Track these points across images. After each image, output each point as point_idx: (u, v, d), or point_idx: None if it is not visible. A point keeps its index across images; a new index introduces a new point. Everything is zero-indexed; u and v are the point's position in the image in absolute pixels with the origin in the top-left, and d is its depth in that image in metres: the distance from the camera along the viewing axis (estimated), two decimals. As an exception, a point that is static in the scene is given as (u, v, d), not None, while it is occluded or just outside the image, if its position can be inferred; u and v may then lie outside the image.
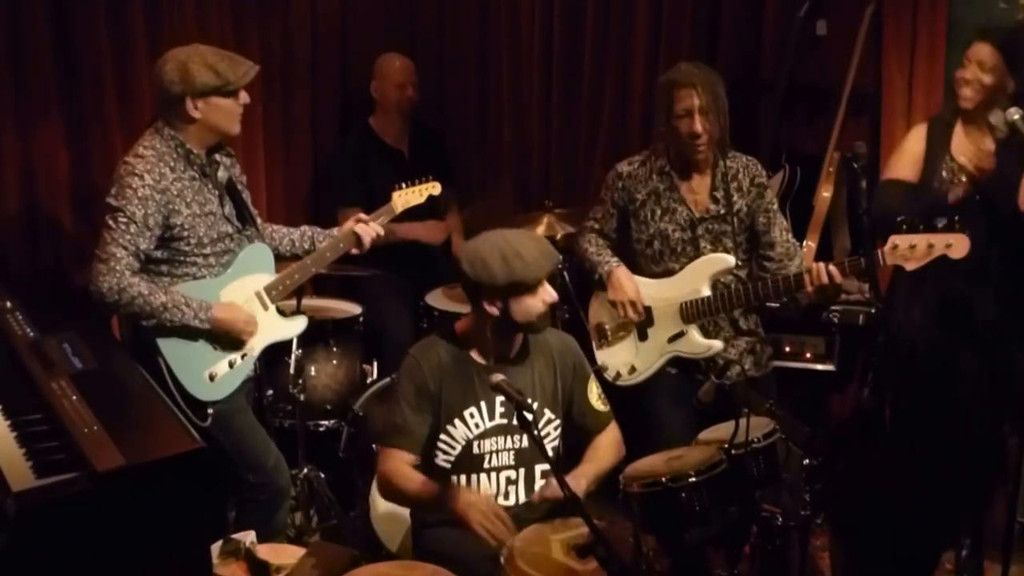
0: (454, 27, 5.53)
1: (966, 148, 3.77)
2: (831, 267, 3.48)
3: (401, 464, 3.11)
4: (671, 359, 3.82)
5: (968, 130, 3.77)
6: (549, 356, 3.25)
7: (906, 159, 3.88)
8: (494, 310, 3.06)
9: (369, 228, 3.75)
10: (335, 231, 3.80)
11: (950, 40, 4.27)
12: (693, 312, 3.74)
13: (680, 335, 3.78)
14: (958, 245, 3.34)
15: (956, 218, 3.43)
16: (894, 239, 3.38)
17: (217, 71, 3.35)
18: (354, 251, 3.77)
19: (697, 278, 3.74)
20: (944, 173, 3.76)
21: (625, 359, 3.89)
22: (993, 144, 3.71)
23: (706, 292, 3.73)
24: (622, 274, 3.81)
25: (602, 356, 3.93)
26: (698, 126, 3.59)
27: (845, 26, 4.51)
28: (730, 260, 3.71)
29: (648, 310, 3.81)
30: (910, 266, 3.39)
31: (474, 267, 3.03)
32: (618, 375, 3.87)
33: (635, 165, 3.83)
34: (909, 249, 3.36)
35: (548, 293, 3.07)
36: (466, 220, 5.09)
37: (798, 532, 3.34)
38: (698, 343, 3.77)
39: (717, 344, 3.76)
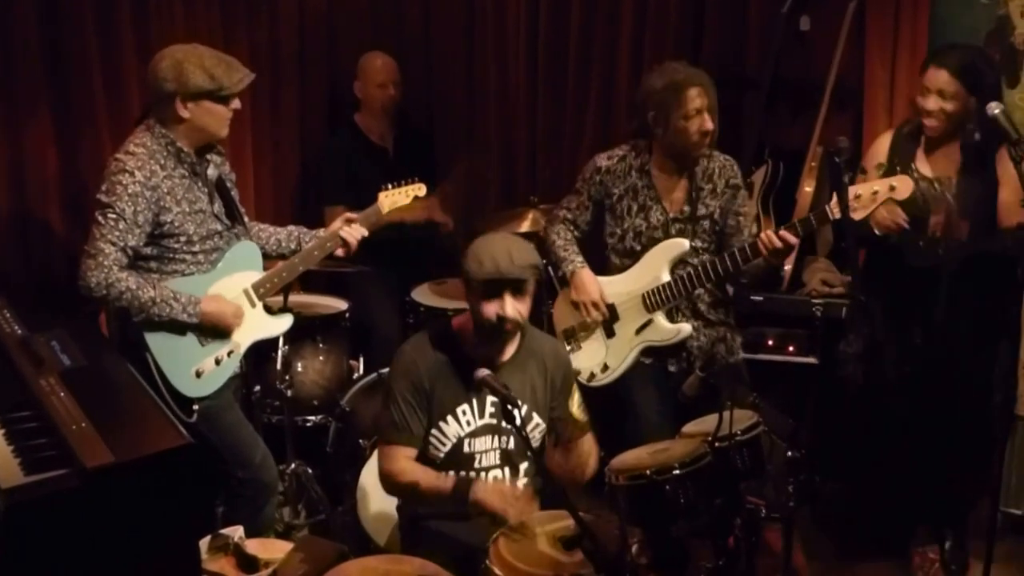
0: (440, 24, 5.53)
1: (929, 162, 3.77)
2: (782, 232, 3.51)
3: (406, 461, 3.14)
4: (643, 349, 3.85)
5: (932, 146, 3.77)
6: (542, 362, 3.27)
7: (870, 167, 3.87)
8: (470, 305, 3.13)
9: (354, 230, 3.76)
10: (322, 231, 3.81)
11: (932, 35, 4.29)
12: (656, 300, 3.78)
13: (647, 324, 3.82)
14: (901, 187, 3.35)
15: (895, 161, 3.44)
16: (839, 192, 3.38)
17: (212, 75, 3.35)
18: (339, 252, 3.78)
19: (656, 266, 3.78)
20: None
21: (597, 359, 3.91)
22: (958, 158, 3.72)
23: (666, 278, 3.76)
24: (585, 275, 3.84)
25: (574, 359, 3.85)
26: (709, 124, 3.64)
27: (828, 22, 4.53)
28: (684, 244, 3.75)
29: (612, 307, 3.85)
30: (858, 215, 3.39)
31: (464, 259, 3.09)
32: (592, 376, 3.89)
33: (614, 160, 3.85)
34: (855, 199, 3.36)
35: (505, 306, 3.05)
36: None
37: (782, 524, 3.37)
38: (666, 328, 3.80)
39: (685, 327, 3.79)
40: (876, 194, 3.38)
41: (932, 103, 3.64)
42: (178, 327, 3.40)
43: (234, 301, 3.54)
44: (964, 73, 3.59)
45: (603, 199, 3.85)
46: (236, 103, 3.45)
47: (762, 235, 3.55)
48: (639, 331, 3.83)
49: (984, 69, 3.67)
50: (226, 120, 3.46)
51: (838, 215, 3.40)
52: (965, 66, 3.60)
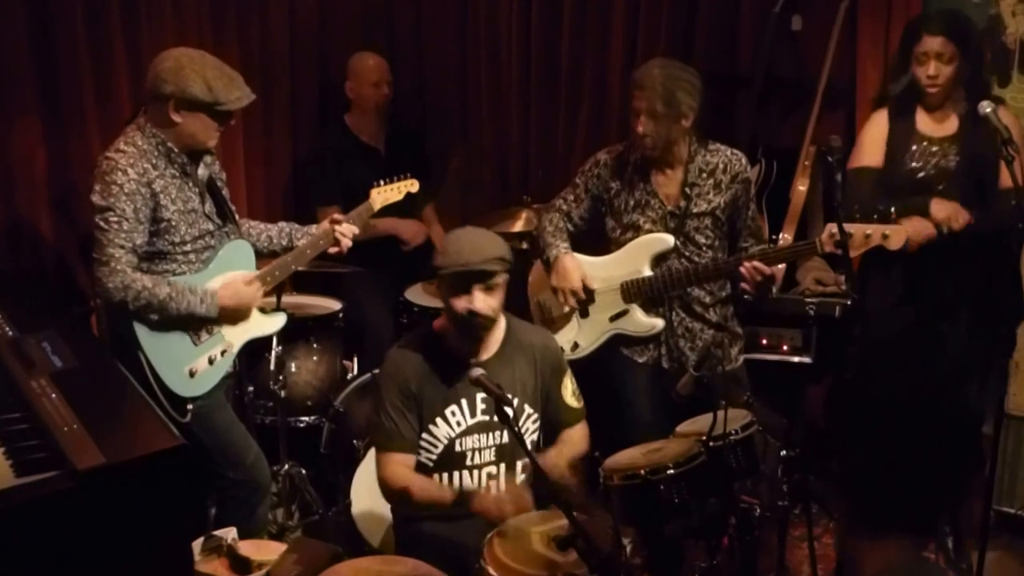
0: (432, 24, 5.53)
1: (932, 125, 3.82)
2: (757, 264, 3.56)
3: (401, 468, 3.14)
4: (614, 336, 3.85)
5: (930, 108, 3.82)
6: (531, 354, 3.27)
7: (869, 146, 3.91)
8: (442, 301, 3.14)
9: (345, 229, 3.75)
10: (314, 228, 3.80)
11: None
12: (634, 292, 3.78)
13: (623, 313, 3.82)
14: (895, 236, 3.38)
15: (892, 209, 3.48)
16: (831, 227, 3.39)
17: (210, 87, 3.31)
18: (332, 250, 3.77)
19: (638, 258, 3.78)
20: (914, 148, 3.79)
21: (568, 336, 3.92)
22: (957, 120, 3.78)
23: (647, 272, 3.76)
24: (568, 261, 3.82)
25: None
26: (639, 127, 3.64)
27: (820, 21, 4.54)
28: (669, 240, 3.74)
29: (590, 289, 3.84)
30: (850, 254, 3.39)
31: (435, 254, 3.13)
32: (561, 351, 3.89)
33: (614, 155, 3.86)
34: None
35: (474, 300, 3.06)
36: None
37: (776, 523, 3.37)
38: (641, 321, 3.81)
39: (659, 322, 3.79)
40: (868, 237, 3.41)
41: (934, 68, 3.70)
42: (172, 326, 3.39)
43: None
44: (956, 35, 3.68)
45: (601, 193, 3.85)
46: (231, 120, 3.44)
47: (744, 266, 3.58)
48: (613, 319, 3.83)
49: (971, 32, 3.79)
50: (216, 132, 3.43)
51: (828, 249, 3.44)
52: (955, 28, 3.71)
